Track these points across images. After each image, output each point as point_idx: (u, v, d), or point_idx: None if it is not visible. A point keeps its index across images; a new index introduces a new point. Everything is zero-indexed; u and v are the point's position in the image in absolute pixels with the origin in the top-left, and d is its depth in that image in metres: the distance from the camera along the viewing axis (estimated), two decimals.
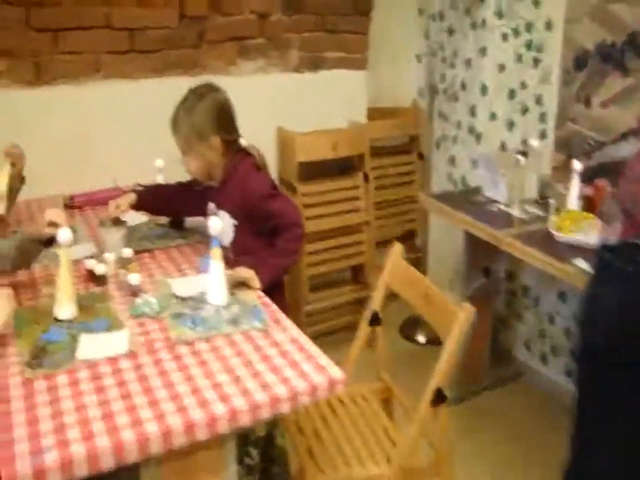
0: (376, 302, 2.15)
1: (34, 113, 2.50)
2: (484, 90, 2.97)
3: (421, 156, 3.39)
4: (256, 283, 1.89)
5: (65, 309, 1.73)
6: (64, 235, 1.72)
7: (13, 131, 2.44)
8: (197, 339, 1.65)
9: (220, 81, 2.73)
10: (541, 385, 2.91)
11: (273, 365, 1.56)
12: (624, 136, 2.82)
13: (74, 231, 2.24)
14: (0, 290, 1.63)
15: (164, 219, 2.34)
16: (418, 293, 1.99)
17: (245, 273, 1.89)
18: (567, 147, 3.09)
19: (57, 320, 1.73)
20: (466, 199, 2.65)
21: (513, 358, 3.04)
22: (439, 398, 1.83)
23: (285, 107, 2.91)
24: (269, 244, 2.01)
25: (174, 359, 1.58)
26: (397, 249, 2.13)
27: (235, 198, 1.98)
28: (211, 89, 2.00)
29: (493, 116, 3.00)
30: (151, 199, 2.19)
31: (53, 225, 1.78)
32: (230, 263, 1.99)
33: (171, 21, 2.64)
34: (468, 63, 3.02)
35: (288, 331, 1.70)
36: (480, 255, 2.72)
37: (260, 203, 1.95)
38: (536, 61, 3.00)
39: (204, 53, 2.71)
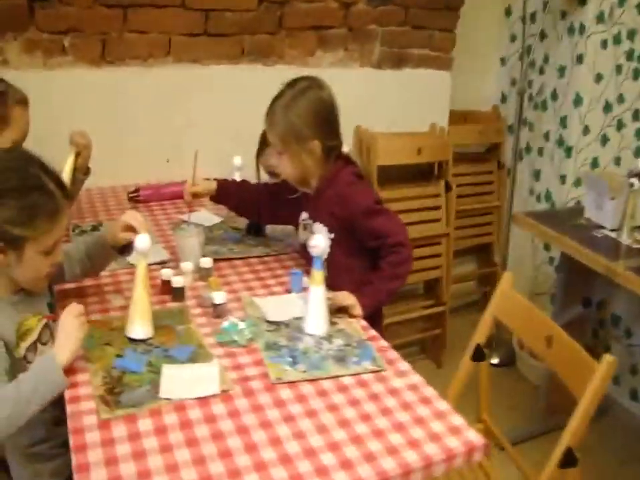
0: (480, 335, 1.83)
1: (97, 94, 2.19)
2: (578, 101, 2.63)
3: (500, 165, 3.05)
4: (358, 310, 1.58)
5: (140, 328, 1.44)
6: (142, 242, 1.42)
7: (74, 113, 2.14)
8: (300, 380, 1.34)
9: (296, 72, 2.48)
10: (628, 422, 2.58)
11: (396, 420, 1.25)
12: None
13: None
14: (71, 307, 1.32)
15: (240, 222, 2.03)
16: (538, 333, 1.67)
17: (347, 298, 1.58)
18: None
19: (130, 339, 1.42)
20: (566, 220, 2.32)
21: None
22: (569, 459, 1.51)
23: (364, 104, 2.58)
24: (370, 262, 1.70)
25: (276, 404, 1.27)
26: (507, 277, 1.80)
27: (333, 210, 1.67)
28: (314, 84, 1.67)
29: (586, 129, 2.67)
30: (234, 192, 1.87)
31: (130, 229, 1.47)
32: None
33: (250, 3, 2.31)
34: (561, 70, 2.69)
35: (407, 376, 1.39)
36: (578, 281, 2.40)
37: (363, 219, 1.64)
38: (636, 73, 2.67)
39: (281, 41, 2.38)
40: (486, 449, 1.24)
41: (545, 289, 2.91)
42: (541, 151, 2.85)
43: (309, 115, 1.61)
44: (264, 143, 2.05)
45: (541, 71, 2.79)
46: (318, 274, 1.49)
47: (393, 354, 1.47)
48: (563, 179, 2.74)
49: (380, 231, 1.63)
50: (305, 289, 1.67)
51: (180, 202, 2.23)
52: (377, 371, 1.39)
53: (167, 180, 2.33)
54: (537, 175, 2.89)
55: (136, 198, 2.18)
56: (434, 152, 2.64)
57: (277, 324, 1.54)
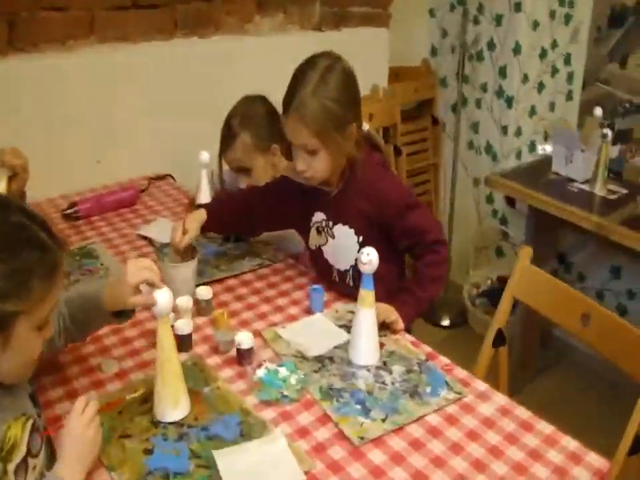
0: (500, 318, 1.61)
1: (7, 90, 1.64)
2: (517, 49, 2.44)
3: (435, 121, 2.81)
4: (400, 324, 1.30)
5: (177, 408, 1.05)
6: (164, 299, 1.02)
7: None
8: (385, 434, 1.04)
9: (235, 43, 2.06)
10: (585, 363, 2.52)
11: (511, 461, 1.02)
12: None
13: (95, 257, 1.53)
14: (79, 409, 0.93)
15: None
16: (570, 311, 1.48)
17: (391, 314, 1.28)
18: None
19: (155, 423, 1.04)
20: (536, 176, 2.16)
21: (553, 338, 2.63)
22: (636, 446, 1.36)
23: None
24: (399, 267, 1.41)
25: (374, 475, 0.97)
26: (525, 252, 1.58)
27: (363, 208, 1.34)
28: (333, 57, 1.32)
29: (525, 78, 2.49)
30: (227, 213, 1.46)
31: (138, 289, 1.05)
32: (349, 292, 1.38)
33: None
34: (498, 19, 2.47)
35: (491, 397, 1.14)
36: (546, 236, 2.26)
37: (399, 215, 1.33)
38: (567, 17, 2.52)
39: (217, 8, 1.94)
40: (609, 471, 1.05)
41: (489, 242, 2.78)
42: (478, 103, 2.65)
43: (344, 94, 1.26)
44: (229, 137, 1.64)
45: (476, 21, 2.55)
46: (369, 295, 1.17)
47: (461, 371, 1.22)
48: (504, 129, 2.57)
49: (417, 228, 1.33)
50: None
51: (126, 211, 1.79)
52: (458, 399, 1.13)
53: (98, 185, 1.87)
54: (475, 127, 2.69)
55: (75, 215, 1.70)
56: (384, 117, 2.35)
57: (319, 360, 1.21)
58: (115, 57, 1.77)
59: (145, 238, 1.63)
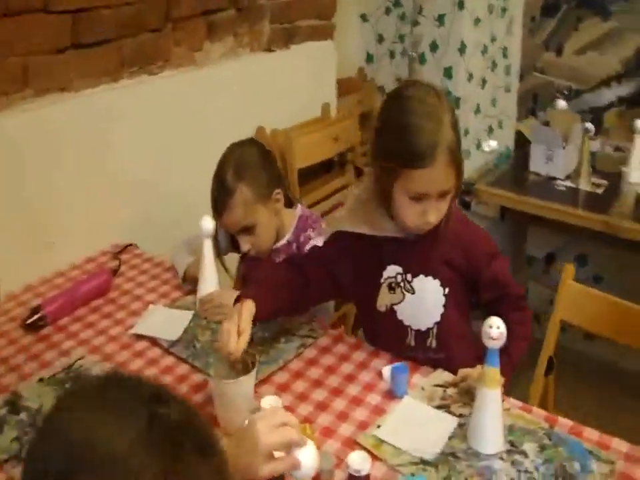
0: (549, 346, 1.50)
1: None
2: (462, 49, 2.35)
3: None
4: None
5: None
6: (310, 459, 0.77)
7: None
8: None
9: (186, 76, 1.75)
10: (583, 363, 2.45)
11: None
12: (605, 82, 2.48)
13: None
14: None
15: None
16: (624, 327, 1.40)
17: None
18: (532, 99, 2.68)
19: None
20: (515, 179, 2.08)
21: None
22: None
23: (257, 96, 1.93)
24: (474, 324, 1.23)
25: None
26: (568, 271, 1.48)
27: (451, 257, 1.15)
28: (434, 88, 1.10)
29: (470, 77, 2.41)
30: (277, 296, 1.18)
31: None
32: (427, 357, 1.19)
33: None
34: (440, 19, 2.35)
35: None
36: (519, 239, 2.20)
37: (483, 265, 1.16)
38: (503, 10, 2.47)
39: (166, 38, 1.61)
40: None
41: None
42: None
43: (456, 122, 1.06)
44: (225, 195, 1.35)
45: (415, 23, 2.42)
46: (496, 373, 0.99)
47: (590, 431, 1.07)
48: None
49: (501, 280, 1.16)
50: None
51: (100, 303, 1.43)
52: (612, 470, 0.98)
53: (50, 274, 1.51)
54: None
55: (41, 320, 1.31)
56: (347, 138, 2.14)
57: (442, 460, 1.00)
58: (58, 112, 1.40)
59: (142, 336, 1.31)
